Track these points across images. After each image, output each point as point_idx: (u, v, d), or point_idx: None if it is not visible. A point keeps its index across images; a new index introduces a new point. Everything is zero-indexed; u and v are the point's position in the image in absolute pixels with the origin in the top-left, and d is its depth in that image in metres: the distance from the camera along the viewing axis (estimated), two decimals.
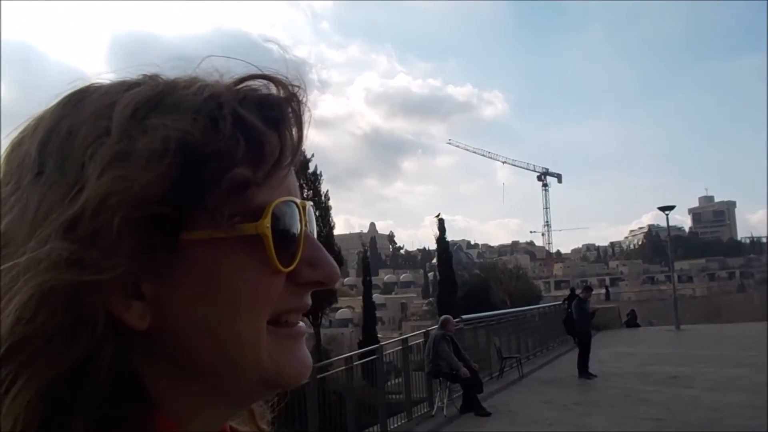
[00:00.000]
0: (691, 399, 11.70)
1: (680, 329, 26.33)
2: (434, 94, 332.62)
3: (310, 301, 0.61)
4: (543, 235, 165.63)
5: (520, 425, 10.64)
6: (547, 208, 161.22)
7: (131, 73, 0.59)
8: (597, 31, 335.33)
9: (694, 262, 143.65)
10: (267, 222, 0.55)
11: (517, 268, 63.17)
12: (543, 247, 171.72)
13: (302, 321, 0.62)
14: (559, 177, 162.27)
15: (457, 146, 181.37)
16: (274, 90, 0.59)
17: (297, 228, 0.58)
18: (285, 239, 0.57)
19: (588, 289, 17.18)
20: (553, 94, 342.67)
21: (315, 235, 0.62)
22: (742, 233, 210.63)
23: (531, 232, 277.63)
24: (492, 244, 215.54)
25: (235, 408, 0.63)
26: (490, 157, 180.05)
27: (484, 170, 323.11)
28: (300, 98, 0.59)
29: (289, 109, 0.58)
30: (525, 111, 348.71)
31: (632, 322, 29.76)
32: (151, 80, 0.58)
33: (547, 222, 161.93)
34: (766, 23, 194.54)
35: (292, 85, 0.60)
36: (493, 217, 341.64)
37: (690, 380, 13.59)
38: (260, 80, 0.59)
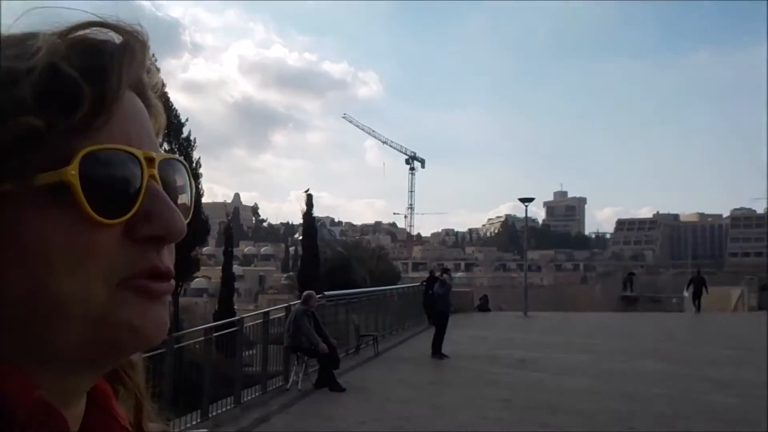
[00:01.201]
0: (537, 382, 12.29)
1: (527, 316, 27.63)
2: (310, 68, 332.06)
3: (163, 262, 0.54)
4: (405, 217, 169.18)
5: (374, 402, 10.77)
6: (412, 191, 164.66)
7: None
8: (478, 20, 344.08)
9: (544, 253, 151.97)
10: (73, 168, 0.49)
11: (379, 248, 63.97)
12: (404, 229, 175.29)
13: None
14: (422, 162, 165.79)
15: (350, 122, 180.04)
16: (104, 36, 0.55)
17: (131, 177, 0.52)
18: (107, 188, 0.51)
19: (446, 270, 17.66)
20: (427, 81, 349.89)
21: (190, 194, 0.58)
22: (590, 228, 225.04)
23: (394, 213, 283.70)
24: (355, 223, 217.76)
25: (79, 369, 0.54)
26: (375, 137, 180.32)
27: (354, 149, 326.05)
28: (132, 44, 0.55)
29: (114, 53, 0.54)
30: (398, 94, 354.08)
31: (484, 307, 30.91)
32: None
33: (410, 205, 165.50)
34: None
35: (125, 30, 0.56)
36: (359, 196, 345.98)
37: (536, 364, 14.26)
38: (92, 28, 0.55)
